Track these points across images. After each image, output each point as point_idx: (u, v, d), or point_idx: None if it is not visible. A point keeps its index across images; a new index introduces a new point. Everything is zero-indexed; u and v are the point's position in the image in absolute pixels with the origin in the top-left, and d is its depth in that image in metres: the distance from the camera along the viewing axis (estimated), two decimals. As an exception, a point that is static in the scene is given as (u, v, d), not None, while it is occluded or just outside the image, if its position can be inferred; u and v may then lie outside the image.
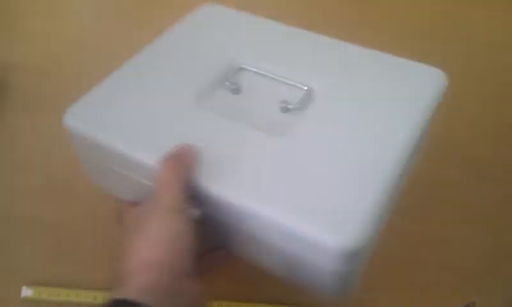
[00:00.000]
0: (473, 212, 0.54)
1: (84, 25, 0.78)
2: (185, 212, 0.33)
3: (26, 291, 0.47)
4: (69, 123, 0.41)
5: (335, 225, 0.32)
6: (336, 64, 0.46)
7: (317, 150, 0.38)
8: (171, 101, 0.42)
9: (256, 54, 0.47)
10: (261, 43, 0.49)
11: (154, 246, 0.31)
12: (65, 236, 0.51)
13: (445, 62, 0.46)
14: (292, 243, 0.34)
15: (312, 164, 0.36)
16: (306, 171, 0.36)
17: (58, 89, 0.64)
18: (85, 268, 0.49)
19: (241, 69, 0.46)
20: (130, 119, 0.40)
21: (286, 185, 0.35)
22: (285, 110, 0.42)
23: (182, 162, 0.35)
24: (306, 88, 0.43)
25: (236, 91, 0.44)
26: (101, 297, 0.48)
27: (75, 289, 0.48)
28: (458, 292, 0.52)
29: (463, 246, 0.53)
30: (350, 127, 0.40)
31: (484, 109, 0.65)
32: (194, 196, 0.35)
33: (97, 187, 0.50)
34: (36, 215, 0.53)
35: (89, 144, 0.40)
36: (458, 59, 0.65)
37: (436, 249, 0.52)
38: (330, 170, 0.36)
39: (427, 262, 0.50)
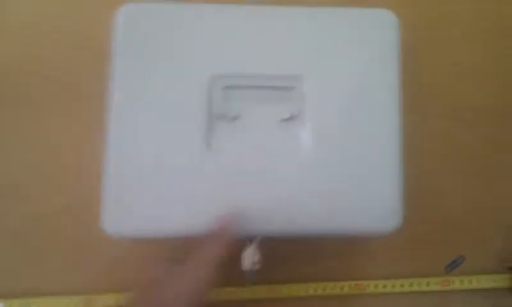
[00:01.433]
0: (463, 162, 0.51)
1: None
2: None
3: (-4, 306, 0.45)
4: (109, 231, 0.39)
5: (383, 219, 0.41)
6: (301, 38, 0.43)
7: (332, 161, 0.41)
8: (185, 159, 0.40)
9: (226, 58, 0.42)
10: (219, 38, 0.42)
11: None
12: (31, 243, 0.48)
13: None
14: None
15: (331, 176, 0.41)
16: (330, 183, 0.41)
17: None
18: (54, 273, 0.47)
19: (227, 87, 0.42)
20: (159, 202, 0.40)
21: (331, 200, 0.40)
22: (286, 121, 0.42)
23: (226, 229, 0.38)
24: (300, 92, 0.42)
25: (233, 118, 0.42)
26: (76, 302, 0.46)
27: (47, 297, 0.46)
28: (447, 246, 0.50)
29: (451, 198, 0.51)
30: (347, 118, 0.41)
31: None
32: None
33: (56, 190, 0.48)
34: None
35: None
36: None
37: (426, 203, 0.50)
38: (351, 175, 0.41)
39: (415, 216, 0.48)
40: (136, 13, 0.42)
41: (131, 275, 0.47)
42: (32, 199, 0.48)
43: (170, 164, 0.40)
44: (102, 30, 0.45)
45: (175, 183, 0.39)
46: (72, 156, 0.48)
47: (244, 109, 0.42)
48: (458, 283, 0.49)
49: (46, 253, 0.47)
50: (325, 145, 0.41)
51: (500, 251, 0.51)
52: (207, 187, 0.40)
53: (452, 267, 0.50)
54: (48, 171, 0.48)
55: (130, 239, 0.47)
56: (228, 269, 0.45)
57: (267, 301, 0.48)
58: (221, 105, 0.41)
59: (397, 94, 0.42)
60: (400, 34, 0.42)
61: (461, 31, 0.54)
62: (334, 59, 0.42)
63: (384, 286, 0.49)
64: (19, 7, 0.51)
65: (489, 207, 0.51)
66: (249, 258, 0.40)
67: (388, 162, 0.41)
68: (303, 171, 0.40)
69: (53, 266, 0.47)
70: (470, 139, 0.52)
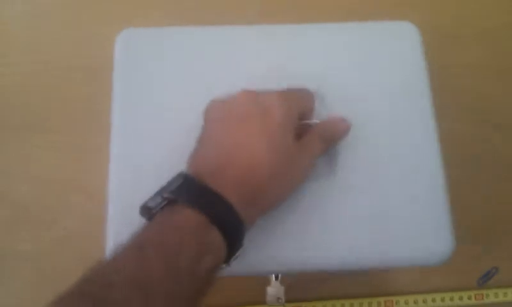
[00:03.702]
0: (493, 168, 0.49)
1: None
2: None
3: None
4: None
5: (434, 245, 0.36)
6: (317, 54, 0.40)
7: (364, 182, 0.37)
8: None
9: (233, 80, 0.37)
10: (228, 63, 0.40)
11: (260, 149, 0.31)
12: (45, 266, 0.46)
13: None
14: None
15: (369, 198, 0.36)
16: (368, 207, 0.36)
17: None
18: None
19: None
20: None
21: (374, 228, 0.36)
22: None
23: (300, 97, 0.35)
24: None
25: None
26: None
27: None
28: (479, 258, 0.48)
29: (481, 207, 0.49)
30: (380, 140, 0.38)
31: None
32: None
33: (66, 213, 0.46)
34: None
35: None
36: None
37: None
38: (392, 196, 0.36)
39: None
40: (136, 38, 0.40)
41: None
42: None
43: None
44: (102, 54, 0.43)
45: None
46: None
47: None
48: (493, 296, 0.47)
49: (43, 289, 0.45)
50: (357, 168, 0.37)
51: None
52: None
53: (485, 279, 0.48)
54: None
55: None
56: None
57: (293, 320, 0.46)
58: None
59: (431, 109, 0.38)
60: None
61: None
62: (360, 77, 0.39)
63: (415, 302, 0.46)
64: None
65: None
66: (274, 294, 0.39)
67: (432, 180, 0.37)
68: (332, 197, 0.36)
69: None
70: (500, 142, 0.50)
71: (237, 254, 0.30)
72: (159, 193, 0.29)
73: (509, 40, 0.53)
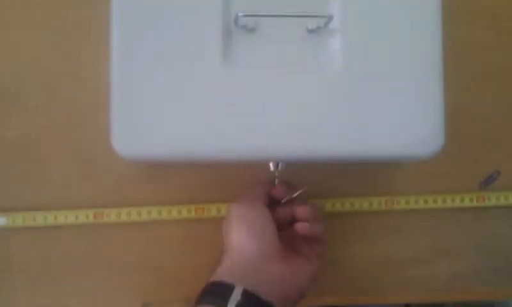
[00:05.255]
0: (499, 75, 0.48)
1: None
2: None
3: (-2, 220, 0.42)
4: (120, 152, 0.35)
5: (423, 141, 0.37)
6: None
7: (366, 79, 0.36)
8: (200, 74, 0.35)
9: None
10: None
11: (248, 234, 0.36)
12: (32, 155, 0.44)
13: None
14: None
15: (368, 95, 0.36)
16: (368, 103, 0.36)
17: None
18: (58, 187, 0.43)
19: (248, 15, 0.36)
20: (172, 122, 0.35)
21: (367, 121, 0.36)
22: (313, 32, 0.37)
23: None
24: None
25: (253, 28, 0.36)
26: (84, 214, 0.42)
27: (52, 210, 0.42)
28: (482, 161, 0.47)
29: (485, 113, 0.47)
30: (382, 30, 0.37)
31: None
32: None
33: (59, 102, 0.43)
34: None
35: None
36: None
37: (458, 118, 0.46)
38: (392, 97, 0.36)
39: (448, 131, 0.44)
40: None
41: (143, 192, 0.43)
42: (32, 108, 0.43)
43: (183, 79, 0.35)
44: None
45: (189, 101, 0.35)
46: (75, 64, 0.43)
47: (266, 19, 0.36)
48: (494, 199, 0.46)
49: (49, 166, 0.43)
50: (357, 60, 0.36)
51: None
52: (225, 106, 0.35)
53: (487, 182, 0.47)
54: (49, 79, 0.43)
55: (143, 162, 0.43)
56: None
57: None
58: (241, 12, 0.35)
59: (439, 3, 0.37)
60: None
61: None
62: None
63: (416, 202, 0.45)
64: None
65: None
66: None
67: (429, 78, 0.37)
68: (332, 89, 0.36)
69: (57, 179, 0.43)
70: (508, 49, 0.48)
71: None
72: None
73: None
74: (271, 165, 0.40)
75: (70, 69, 0.43)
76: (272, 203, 0.39)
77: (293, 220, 0.38)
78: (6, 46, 0.43)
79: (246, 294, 0.32)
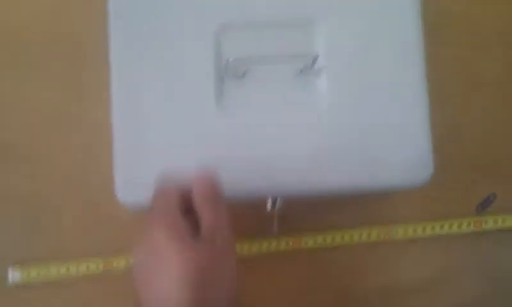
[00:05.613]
0: (484, 91, 0.49)
1: None
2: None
3: (13, 274, 0.44)
4: (123, 201, 0.37)
5: (412, 171, 0.38)
6: None
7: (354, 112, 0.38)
8: (194, 119, 0.37)
9: (230, 4, 0.39)
10: None
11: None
12: (41, 206, 0.46)
13: None
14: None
15: (354, 125, 0.38)
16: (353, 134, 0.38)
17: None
18: (70, 237, 0.45)
19: (234, 36, 0.39)
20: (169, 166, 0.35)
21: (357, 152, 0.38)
22: (300, 72, 0.39)
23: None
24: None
25: (244, 73, 0.39)
26: (94, 264, 0.44)
27: (64, 262, 0.44)
28: (477, 185, 0.48)
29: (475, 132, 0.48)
30: (367, 62, 0.38)
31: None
32: None
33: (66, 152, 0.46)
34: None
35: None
36: None
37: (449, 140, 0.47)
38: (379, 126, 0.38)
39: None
40: None
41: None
42: (40, 160, 0.46)
43: (179, 125, 0.37)
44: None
45: (186, 149, 0.37)
46: (78, 116, 0.46)
47: (255, 64, 0.39)
48: (491, 222, 0.47)
49: (57, 217, 0.45)
50: (344, 93, 0.38)
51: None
52: (219, 147, 0.37)
53: (484, 206, 0.48)
54: (53, 130, 0.46)
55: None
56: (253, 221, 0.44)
57: (292, 253, 0.46)
58: (231, 58, 0.37)
59: (419, 30, 0.39)
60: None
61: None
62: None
63: (414, 230, 0.46)
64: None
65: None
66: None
67: (414, 107, 0.38)
68: (321, 124, 0.38)
69: (66, 230, 0.45)
70: (489, 66, 0.49)
71: None
72: None
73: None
74: (269, 203, 0.41)
75: (74, 119, 0.46)
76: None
77: None
78: (10, 101, 0.46)
79: None
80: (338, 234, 0.46)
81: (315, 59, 0.37)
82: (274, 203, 0.41)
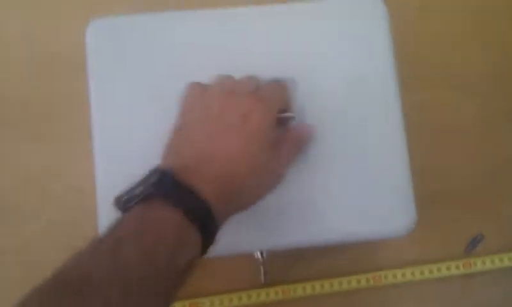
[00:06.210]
0: (465, 133, 0.49)
1: None
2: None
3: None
4: None
5: (396, 221, 0.37)
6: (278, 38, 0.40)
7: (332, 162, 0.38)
8: None
9: (205, 67, 0.38)
10: (196, 46, 0.40)
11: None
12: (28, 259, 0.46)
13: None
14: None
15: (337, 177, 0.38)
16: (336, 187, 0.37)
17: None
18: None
19: None
20: None
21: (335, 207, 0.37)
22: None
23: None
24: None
25: None
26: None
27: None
28: (463, 226, 0.48)
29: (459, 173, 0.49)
30: (345, 117, 0.38)
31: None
32: None
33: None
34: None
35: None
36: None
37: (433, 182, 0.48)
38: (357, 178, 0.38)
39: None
40: (107, 28, 0.40)
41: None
42: (28, 214, 0.46)
43: None
44: (72, 45, 0.43)
45: None
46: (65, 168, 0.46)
47: None
48: (480, 264, 0.47)
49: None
50: (325, 148, 0.38)
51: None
52: None
53: (473, 245, 0.48)
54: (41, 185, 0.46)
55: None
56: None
57: (282, 303, 0.45)
58: None
59: (395, 83, 0.39)
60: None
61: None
62: (324, 57, 0.39)
63: (403, 275, 0.46)
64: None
65: (500, 177, 0.49)
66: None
67: (393, 157, 0.38)
68: (302, 178, 0.37)
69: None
70: (469, 107, 0.50)
71: (210, 248, 0.30)
72: (135, 187, 0.29)
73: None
74: (257, 254, 0.41)
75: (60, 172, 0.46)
76: None
77: None
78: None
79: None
80: (327, 282, 0.46)
81: (291, 118, 0.37)
82: (261, 254, 0.41)
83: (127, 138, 0.38)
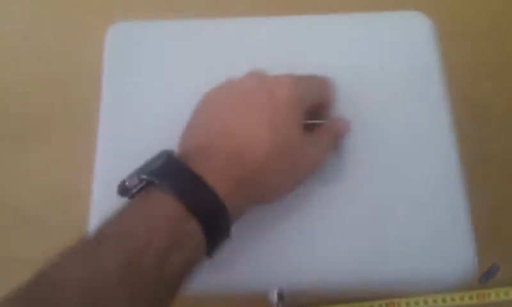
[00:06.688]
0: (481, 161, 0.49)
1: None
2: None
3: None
4: None
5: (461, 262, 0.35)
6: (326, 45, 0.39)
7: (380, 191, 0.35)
8: None
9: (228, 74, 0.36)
10: (225, 56, 0.38)
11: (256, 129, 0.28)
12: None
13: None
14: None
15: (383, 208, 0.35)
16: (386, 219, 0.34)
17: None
18: None
19: None
20: None
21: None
22: None
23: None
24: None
25: None
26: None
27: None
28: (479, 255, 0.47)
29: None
30: (394, 143, 0.36)
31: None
32: None
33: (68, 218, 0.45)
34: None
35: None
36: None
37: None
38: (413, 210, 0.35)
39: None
40: (127, 31, 0.40)
41: None
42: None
43: None
44: (92, 51, 0.42)
45: None
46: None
47: None
48: (494, 295, 0.47)
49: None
50: (366, 175, 0.35)
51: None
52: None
53: (487, 276, 0.47)
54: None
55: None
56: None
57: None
58: None
59: (449, 119, 0.37)
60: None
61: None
62: (371, 72, 0.38)
63: (416, 303, 0.46)
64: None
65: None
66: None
67: (450, 191, 0.36)
68: (341, 208, 0.35)
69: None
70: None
71: (222, 246, 0.27)
72: (138, 172, 0.26)
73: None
74: (273, 296, 0.35)
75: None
76: None
77: None
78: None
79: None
80: (340, 307, 0.45)
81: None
82: (280, 296, 0.35)
83: (135, 144, 0.36)
